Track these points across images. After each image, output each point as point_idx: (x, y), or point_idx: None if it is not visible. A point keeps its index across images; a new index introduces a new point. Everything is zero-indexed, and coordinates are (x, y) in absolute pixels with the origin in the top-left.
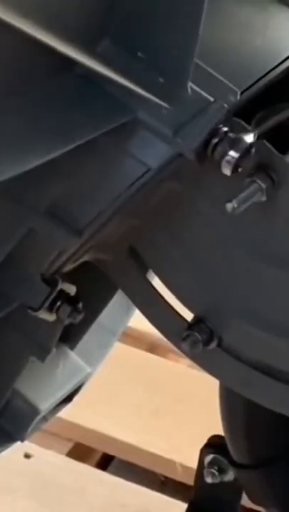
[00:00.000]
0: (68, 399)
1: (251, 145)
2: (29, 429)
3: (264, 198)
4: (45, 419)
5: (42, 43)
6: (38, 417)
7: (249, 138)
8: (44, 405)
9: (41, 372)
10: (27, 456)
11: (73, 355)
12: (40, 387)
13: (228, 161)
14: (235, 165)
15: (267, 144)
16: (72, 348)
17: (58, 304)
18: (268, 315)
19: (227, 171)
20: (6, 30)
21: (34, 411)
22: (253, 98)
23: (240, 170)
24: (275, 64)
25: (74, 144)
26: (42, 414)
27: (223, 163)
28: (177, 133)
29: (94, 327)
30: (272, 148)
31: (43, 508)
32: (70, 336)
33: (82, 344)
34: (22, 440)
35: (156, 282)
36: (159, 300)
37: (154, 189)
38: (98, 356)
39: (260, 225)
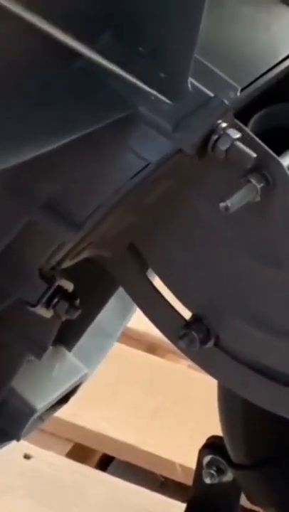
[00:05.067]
0: (65, 399)
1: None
2: (25, 429)
3: (258, 199)
4: (41, 419)
5: (45, 35)
6: (34, 417)
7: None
8: (40, 405)
9: (38, 372)
10: (27, 456)
11: (70, 356)
12: (36, 387)
13: (226, 157)
14: (234, 161)
15: (262, 144)
16: (69, 349)
17: (56, 300)
18: (265, 314)
19: (225, 166)
20: (10, 19)
21: (30, 410)
22: (252, 97)
23: (238, 167)
24: (276, 63)
25: (73, 136)
26: (38, 413)
27: (221, 158)
28: (177, 127)
29: (91, 329)
30: (268, 149)
31: (42, 509)
32: (68, 338)
33: (79, 346)
34: (18, 439)
35: (157, 281)
36: (158, 298)
37: (152, 186)
38: (96, 358)
39: (255, 224)
